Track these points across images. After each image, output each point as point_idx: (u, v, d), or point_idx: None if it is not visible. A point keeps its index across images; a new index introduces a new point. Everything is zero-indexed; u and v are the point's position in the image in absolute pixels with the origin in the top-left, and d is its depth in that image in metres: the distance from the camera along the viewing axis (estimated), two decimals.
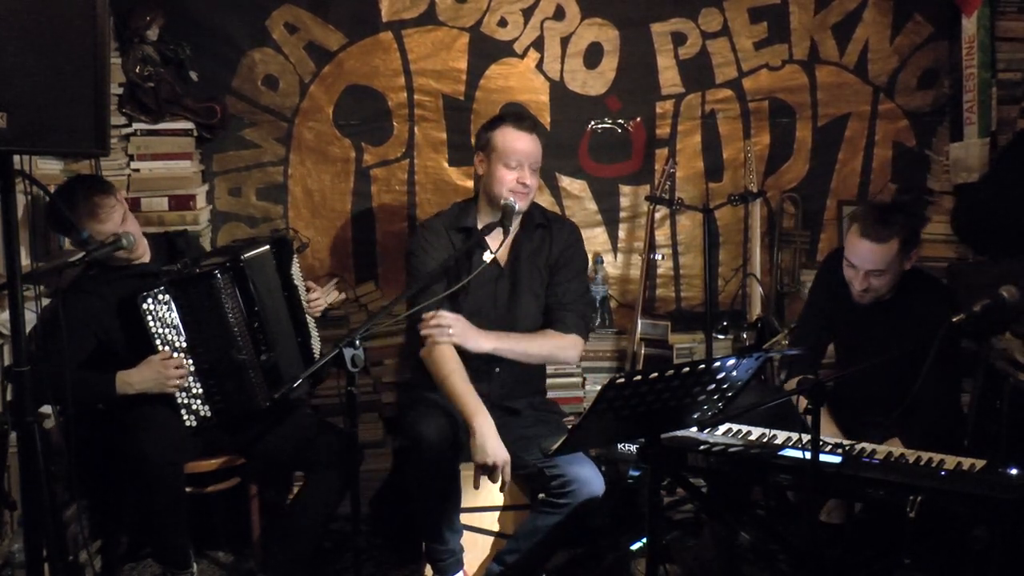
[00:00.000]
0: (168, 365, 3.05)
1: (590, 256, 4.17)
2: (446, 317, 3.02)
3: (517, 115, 3.29)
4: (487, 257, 3.13)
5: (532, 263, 3.25)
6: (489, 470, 2.91)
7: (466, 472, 3.06)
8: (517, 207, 3.11)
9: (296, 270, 3.38)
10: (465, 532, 3.15)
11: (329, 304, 3.53)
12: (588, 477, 2.95)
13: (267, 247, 3.25)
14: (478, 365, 3.15)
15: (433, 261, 3.13)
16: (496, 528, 3.19)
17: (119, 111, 3.68)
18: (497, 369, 3.19)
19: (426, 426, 2.95)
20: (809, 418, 2.31)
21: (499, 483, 2.93)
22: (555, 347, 3.20)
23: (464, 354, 3.10)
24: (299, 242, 3.79)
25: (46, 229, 3.32)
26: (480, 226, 3.18)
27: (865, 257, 2.98)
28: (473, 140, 3.68)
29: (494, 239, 3.16)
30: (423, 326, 3.02)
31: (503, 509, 3.20)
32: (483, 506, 3.17)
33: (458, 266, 3.15)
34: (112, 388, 3.01)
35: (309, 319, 3.40)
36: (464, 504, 3.14)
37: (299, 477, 3.29)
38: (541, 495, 3.06)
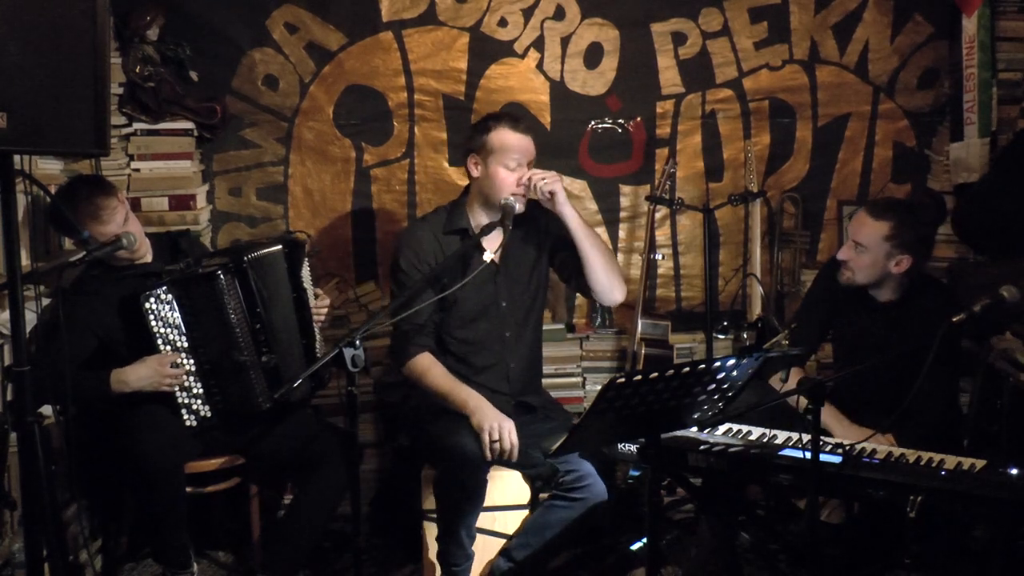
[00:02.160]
0: (164, 363, 3.04)
1: None
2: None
3: (512, 116, 3.25)
4: (487, 257, 3.09)
5: (523, 252, 3.24)
6: (496, 440, 2.93)
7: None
8: (517, 208, 3.11)
9: (306, 273, 3.36)
10: None
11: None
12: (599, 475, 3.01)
13: (278, 247, 3.23)
14: (494, 361, 3.19)
15: (420, 274, 3.11)
16: (499, 528, 3.18)
17: (119, 111, 3.68)
18: (512, 364, 3.22)
19: (462, 438, 2.95)
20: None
21: (510, 451, 2.94)
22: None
23: (481, 352, 3.17)
24: (311, 246, 3.78)
25: (46, 229, 3.32)
26: (475, 227, 3.17)
27: (857, 228, 3.13)
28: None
29: (491, 240, 3.13)
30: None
31: (505, 509, 3.19)
32: (486, 506, 3.17)
33: (451, 270, 3.11)
34: (107, 386, 3.00)
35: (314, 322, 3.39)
36: None
37: (299, 477, 3.28)
38: (553, 491, 3.07)
